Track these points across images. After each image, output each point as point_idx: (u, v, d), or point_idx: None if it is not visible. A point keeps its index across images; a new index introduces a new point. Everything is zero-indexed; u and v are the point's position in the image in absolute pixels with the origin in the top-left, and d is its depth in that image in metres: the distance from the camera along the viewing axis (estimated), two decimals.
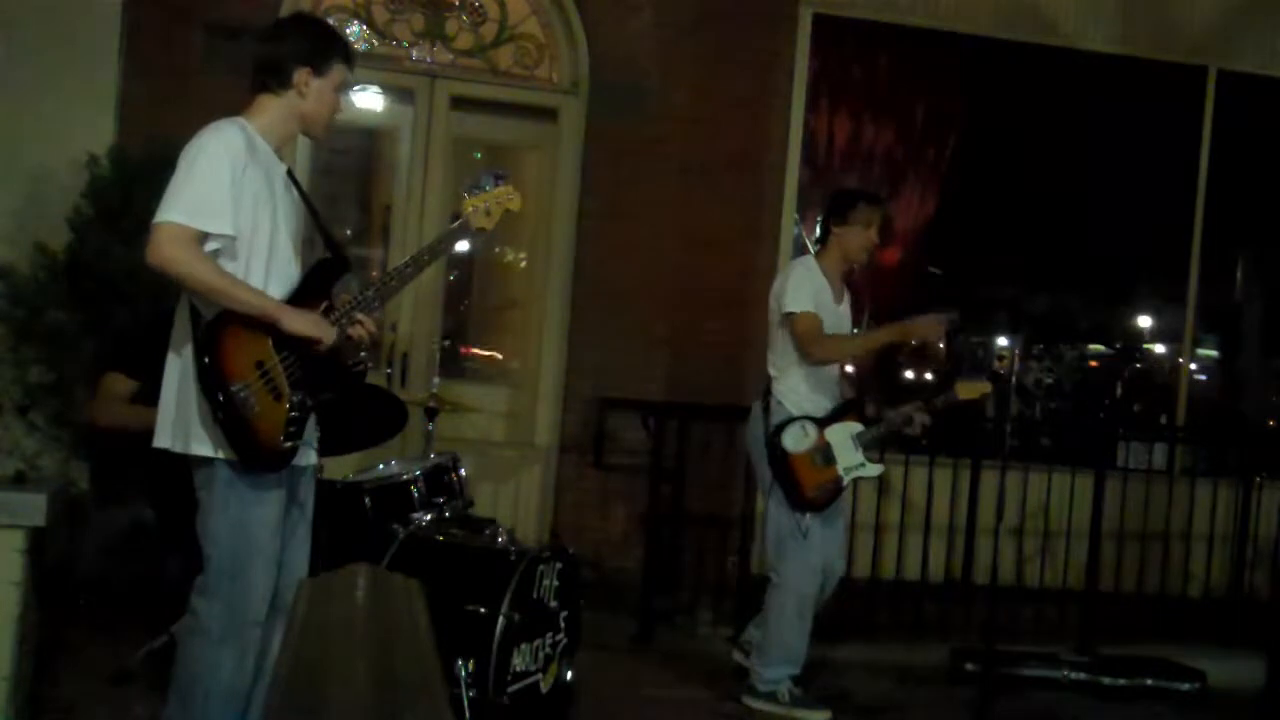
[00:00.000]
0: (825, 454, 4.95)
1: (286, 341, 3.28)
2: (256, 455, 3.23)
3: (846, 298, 5.20)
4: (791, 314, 4.95)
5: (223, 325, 3.21)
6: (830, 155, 7.57)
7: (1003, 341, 8.96)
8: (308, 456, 3.42)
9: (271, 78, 3.41)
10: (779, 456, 4.92)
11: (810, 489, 4.91)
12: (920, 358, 8.19)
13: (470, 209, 3.66)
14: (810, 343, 4.94)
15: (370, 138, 7.51)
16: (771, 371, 5.07)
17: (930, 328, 5.05)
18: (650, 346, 6.84)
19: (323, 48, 3.46)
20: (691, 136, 6.92)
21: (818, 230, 5.44)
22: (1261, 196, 7.87)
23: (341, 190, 7.55)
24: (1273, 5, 7.71)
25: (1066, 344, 9.16)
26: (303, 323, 3.27)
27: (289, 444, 3.27)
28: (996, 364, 8.48)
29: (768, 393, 5.06)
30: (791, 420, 4.96)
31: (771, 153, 7.08)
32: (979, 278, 8.41)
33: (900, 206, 7.76)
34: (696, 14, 6.96)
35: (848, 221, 5.06)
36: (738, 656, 5.26)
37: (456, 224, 3.68)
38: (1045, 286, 8.53)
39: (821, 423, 4.97)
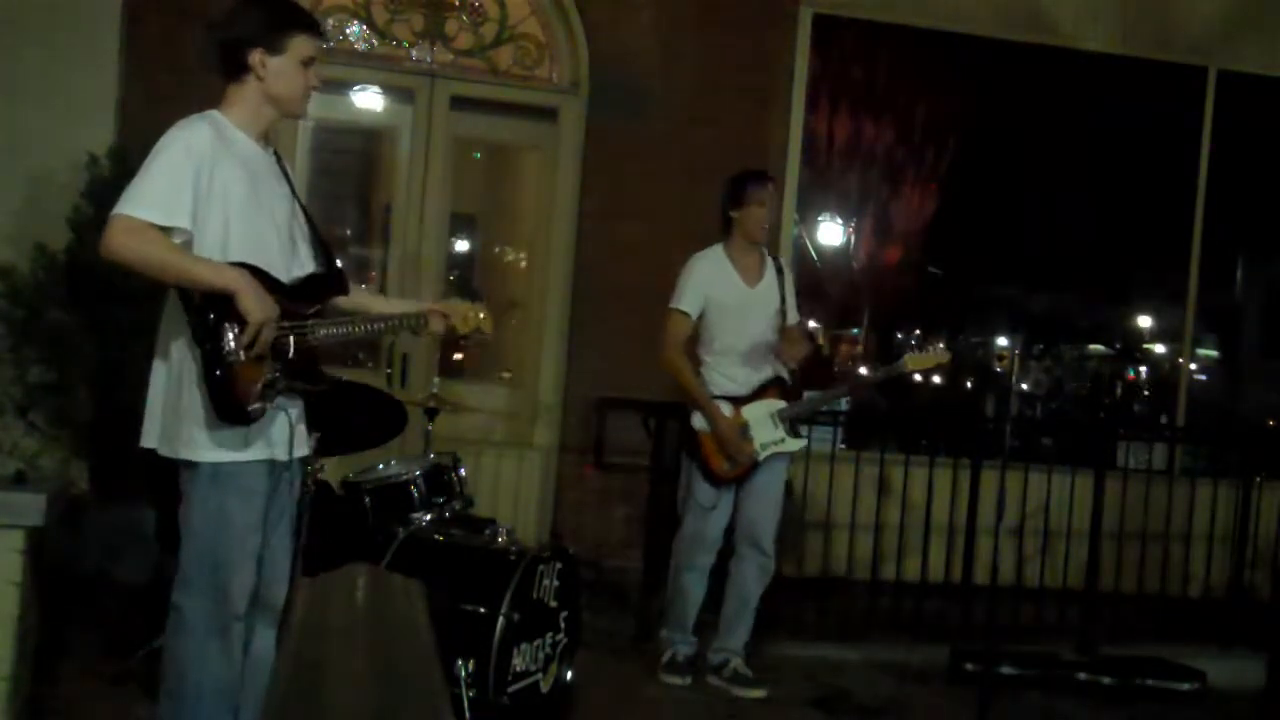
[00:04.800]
0: (742, 432, 5.10)
1: (283, 315, 3.27)
2: (227, 404, 3.19)
3: (768, 273, 5.27)
4: (669, 308, 5.17)
5: None
6: (830, 155, 7.57)
7: (1003, 341, 8.97)
8: (291, 451, 3.37)
9: (228, 65, 3.33)
10: (690, 435, 5.16)
11: (720, 465, 5.10)
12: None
13: (461, 317, 3.69)
14: (666, 344, 5.16)
15: (370, 138, 7.51)
16: (701, 355, 5.27)
17: (726, 435, 5.06)
18: (650, 346, 6.79)
19: (275, 24, 3.34)
20: (691, 136, 6.91)
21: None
22: (1261, 196, 7.88)
23: (341, 190, 7.55)
24: (1273, 5, 7.71)
25: (1066, 344, 9.17)
26: (257, 306, 3.17)
27: (257, 405, 3.23)
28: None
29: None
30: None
31: (771, 153, 7.08)
32: (979, 278, 8.42)
33: (900, 206, 7.78)
34: (696, 14, 6.96)
35: (743, 204, 5.20)
36: (713, 681, 5.25)
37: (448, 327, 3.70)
38: (1045, 286, 8.53)
39: (740, 401, 5.13)
